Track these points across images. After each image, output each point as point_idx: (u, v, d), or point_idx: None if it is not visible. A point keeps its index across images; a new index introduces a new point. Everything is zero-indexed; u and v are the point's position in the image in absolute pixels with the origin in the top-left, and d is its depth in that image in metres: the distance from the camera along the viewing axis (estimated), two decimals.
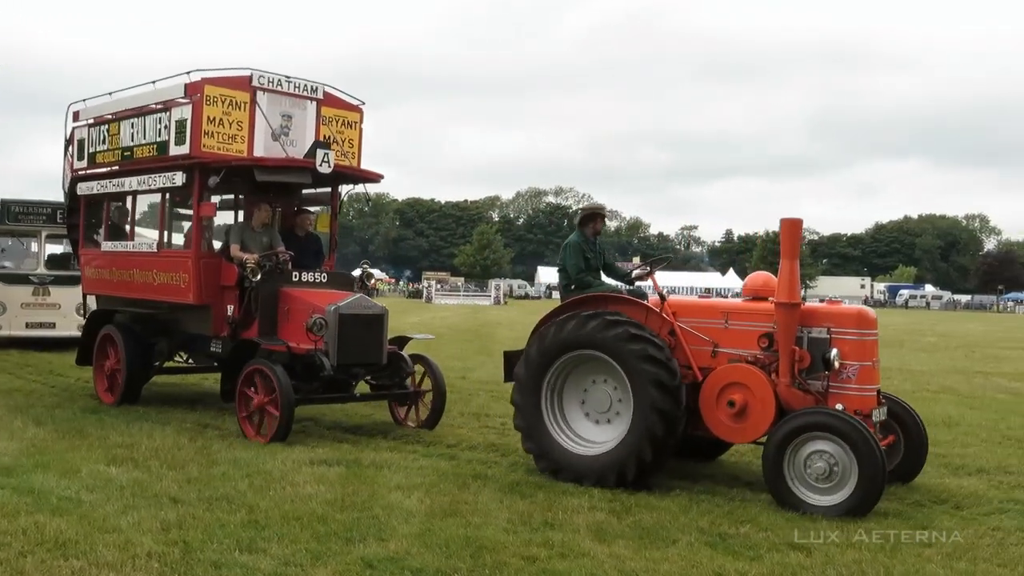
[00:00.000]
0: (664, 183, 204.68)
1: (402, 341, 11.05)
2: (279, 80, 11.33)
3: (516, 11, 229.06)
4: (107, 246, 12.72)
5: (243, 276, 10.51)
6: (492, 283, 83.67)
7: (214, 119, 10.76)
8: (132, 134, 11.74)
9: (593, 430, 8.37)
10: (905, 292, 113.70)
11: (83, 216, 13.25)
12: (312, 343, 9.71)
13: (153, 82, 11.48)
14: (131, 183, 11.80)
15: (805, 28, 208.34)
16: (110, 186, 12.33)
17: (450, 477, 8.18)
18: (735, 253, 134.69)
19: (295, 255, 11.00)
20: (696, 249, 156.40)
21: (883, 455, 7.20)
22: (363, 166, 12.25)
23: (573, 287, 9.07)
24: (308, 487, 7.59)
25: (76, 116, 13.10)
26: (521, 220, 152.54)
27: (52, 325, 17.89)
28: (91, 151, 12.66)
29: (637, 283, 9.37)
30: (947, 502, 7.92)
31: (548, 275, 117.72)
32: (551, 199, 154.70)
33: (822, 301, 9.22)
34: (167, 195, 11.66)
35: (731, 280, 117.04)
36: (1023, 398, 15.46)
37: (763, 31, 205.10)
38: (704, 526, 6.82)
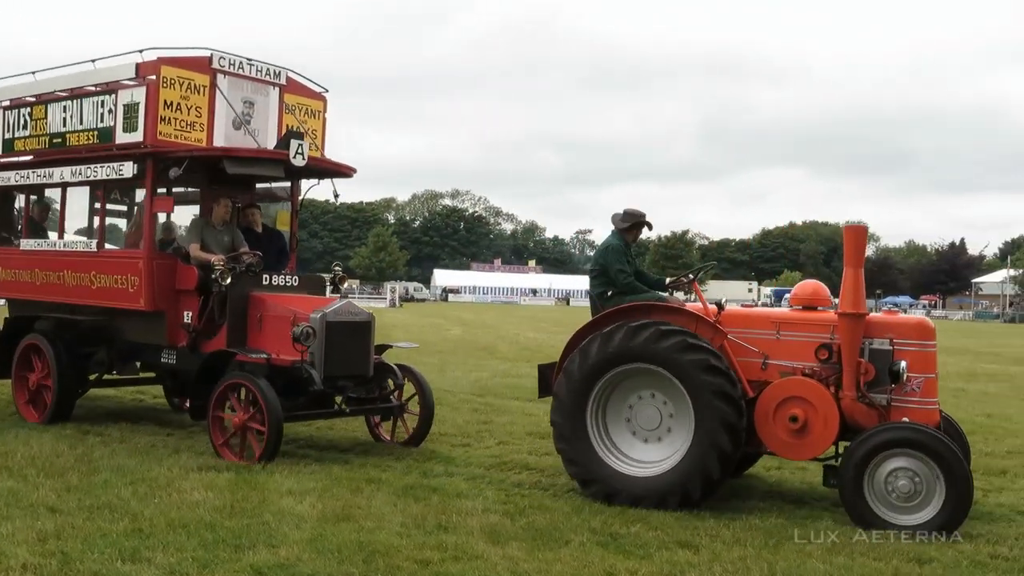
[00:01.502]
0: (559, 187, 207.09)
1: (381, 349, 10.17)
2: (240, 62, 10.27)
3: (408, 12, 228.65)
4: (27, 244, 11.24)
5: (204, 279, 9.56)
6: (388, 285, 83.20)
7: (171, 103, 9.65)
8: (64, 119, 10.55)
9: (641, 449, 7.85)
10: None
11: None
12: (297, 354, 8.82)
13: (93, 61, 10.34)
14: (63, 174, 10.58)
15: (690, 39, 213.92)
16: (33, 176, 10.99)
17: (343, 481, 8.07)
18: None
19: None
20: (590, 252, 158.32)
21: (970, 470, 7.05)
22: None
23: (611, 294, 8.40)
24: (196, 494, 7.39)
25: None
26: (417, 223, 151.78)
27: None
28: (7, 137, 11.35)
29: (675, 292, 8.99)
30: (826, 498, 8.15)
31: (444, 278, 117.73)
32: (447, 202, 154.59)
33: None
34: (107, 188, 10.62)
35: None
36: None
37: (650, 41, 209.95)
38: (596, 526, 6.89)
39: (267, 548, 6.05)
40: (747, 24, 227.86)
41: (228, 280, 9.31)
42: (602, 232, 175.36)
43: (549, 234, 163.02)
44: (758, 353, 7.82)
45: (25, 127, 11.09)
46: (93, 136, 10.24)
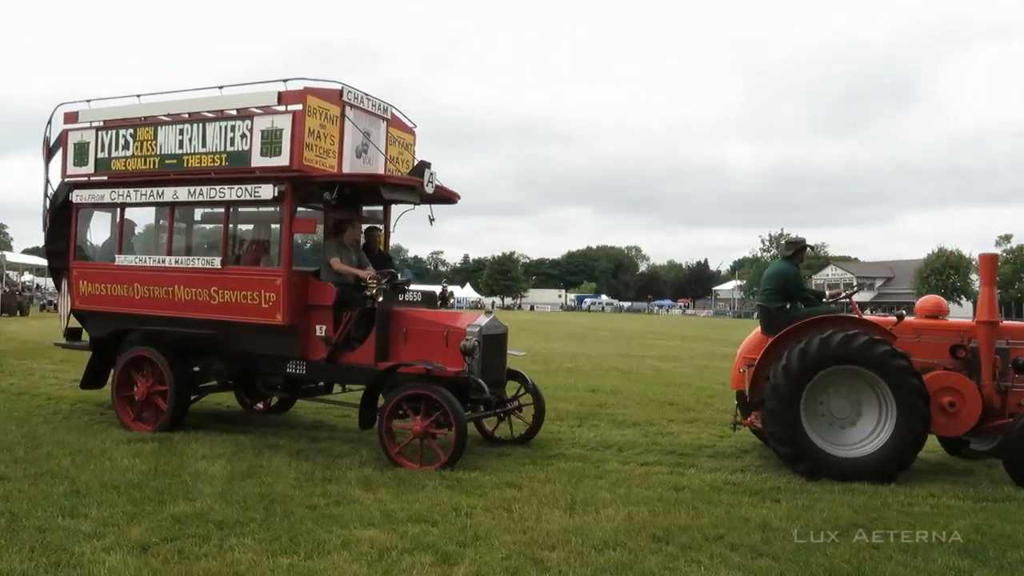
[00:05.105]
0: (416, 219, 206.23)
1: None
2: (362, 97, 8.47)
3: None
4: (123, 260, 8.78)
5: (343, 295, 7.89)
6: None
7: (313, 131, 7.85)
8: (181, 140, 8.31)
9: (838, 434, 7.21)
10: (588, 300, 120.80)
11: (75, 226, 9.25)
12: (459, 364, 7.38)
13: (219, 87, 8.27)
14: (177, 194, 8.38)
15: (509, 109, 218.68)
16: (136, 195, 8.66)
17: (248, 447, 7.74)
18: (470, 272, 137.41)
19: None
20: (443, 268, 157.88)
21: None
22: None
23: (788, 307, 7.72)
24: (125, 461, 6.92)
25: (72, 118, 9.14)
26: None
27: None
28: (101, 156, 8.84)
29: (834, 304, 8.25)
30: (612, 447, 8.43)
31: None
32: None
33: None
34: (232, 208, 8.34)
35: (468, 291, 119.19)
36: (664, 373, 16.84)
37: (479, 109, 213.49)
38: (445, 474, 6.85)
39: (185, 501, 5.75)
40: (549, 98, 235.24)
41: (381, 297, 7.69)
42: (451, 253, 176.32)
43: (411, 254, 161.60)
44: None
45: (126, 147, 8.69)
46: (221, 159, 8.12)
